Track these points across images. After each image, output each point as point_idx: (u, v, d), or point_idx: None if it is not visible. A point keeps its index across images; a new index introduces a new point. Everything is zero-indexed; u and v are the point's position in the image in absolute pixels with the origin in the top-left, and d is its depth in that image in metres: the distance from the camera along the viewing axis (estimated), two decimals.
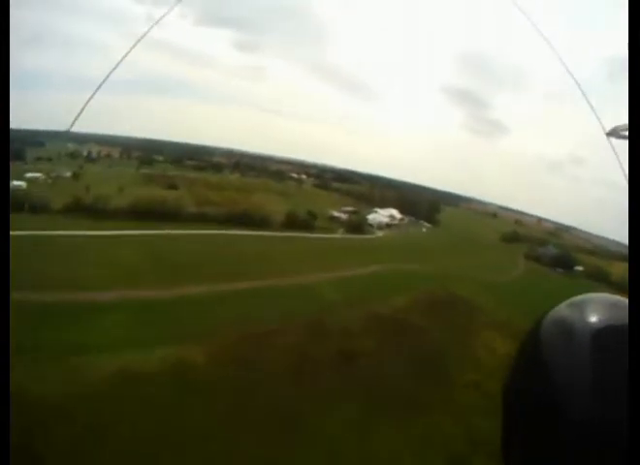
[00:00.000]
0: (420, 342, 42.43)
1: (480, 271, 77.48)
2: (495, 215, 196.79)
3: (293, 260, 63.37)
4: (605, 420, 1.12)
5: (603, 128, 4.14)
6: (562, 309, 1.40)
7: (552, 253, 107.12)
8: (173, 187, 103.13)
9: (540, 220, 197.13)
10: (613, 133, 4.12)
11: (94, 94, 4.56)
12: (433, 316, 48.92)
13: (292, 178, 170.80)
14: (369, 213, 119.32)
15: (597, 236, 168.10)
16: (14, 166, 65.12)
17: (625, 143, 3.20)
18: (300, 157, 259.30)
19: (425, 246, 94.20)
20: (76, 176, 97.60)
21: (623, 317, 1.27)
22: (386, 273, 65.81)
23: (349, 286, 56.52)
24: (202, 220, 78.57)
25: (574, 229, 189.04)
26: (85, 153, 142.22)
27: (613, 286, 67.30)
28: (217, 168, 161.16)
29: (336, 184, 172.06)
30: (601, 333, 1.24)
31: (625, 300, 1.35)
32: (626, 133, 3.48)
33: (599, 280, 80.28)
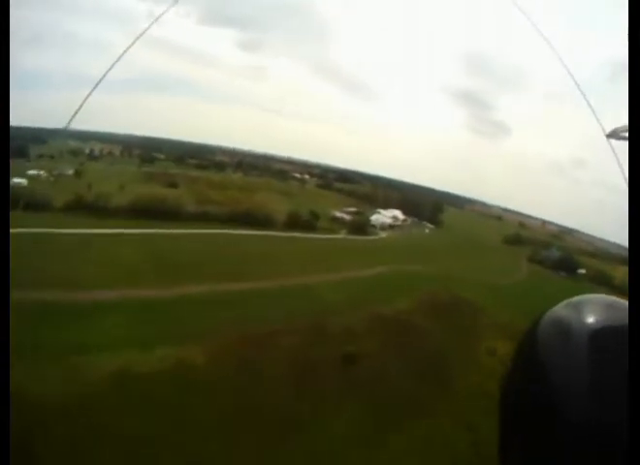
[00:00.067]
0: (423, 344, 42.25)
1: (483, 274, 77.24)
2: (499, 217, 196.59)
3: (295, 260, 63.06)
4: (602, 421, 1.12)
5: (603, 129, 4.02)
6: (560, 309, 1.40)
7: (555, 256, 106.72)
8: (173, 185, 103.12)
9: (544, 223, 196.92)
10: (613, 134, 4.00)
11: (92, 91, 4.54)
12: (436, 318, 48.71)
13: (295, 178, 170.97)
14: (372, 214, 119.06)
15: (599, 239, 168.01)
16: (16, 163, 65.06)
17: (626, 145, 3.05)
18: (302, 157, 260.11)
19: (428, 248, 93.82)
20: (77, 174, 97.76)
21: (620, 318, 1.28)
22: (389, 275, 65.58)
23: (352, 287, 56.22)
24: (203, 219, 78.47)
25: (576, 231, 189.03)
26: (87, 151, 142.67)
27: (616, 290, 66.86)
28: (220, 167, 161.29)
29: (338, 184, 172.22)
30: (598, 334, 1.24)
31: (623, 301, 1.36)
32: (626, 134, 3.33)
33: (602, 283, 79.86)
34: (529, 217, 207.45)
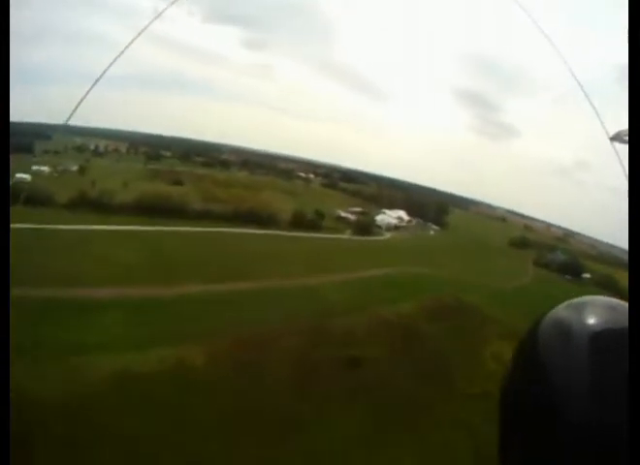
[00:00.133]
0: (427, 350, 41.82)
1: (489, 277, 76.66)
2: (504, 219, 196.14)
3: (298, 260, 62.66)
4: (603, 422, 1.12)
5: (607, 132, 3.81)
6: (561, 310, 1.41)
7: (560, 259, 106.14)
8: (178, 183, 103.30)
9: (549, 226, 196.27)
10: (616, 137, 3.78)
11: (92, 88, 4.46)
12: (441, 322, 48.20)
13: (300, 177, 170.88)
14: (377, 214, 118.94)
15: (603, 243, 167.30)
16: (21, 158, 64.97)
17: None
18: (308, 156, 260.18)
19: (433, 249, 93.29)
20: (82, 170, 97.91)
21: (621, 319, 1.28)
22: (394, 276, 65.08)
23: (356, 288, 55.82)
24: (207, 217, 78.36)
25: (580, 234, 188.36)
26: (93, 147, 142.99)
27: (621, 294, 66.24)
28: (225, 165, 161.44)
29: (343, 184, 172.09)
30: (599, 335, 1.25)
31: (624, 303, 1.36)
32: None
33: (607, 288, 79.24)
34: (534, 219, 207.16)
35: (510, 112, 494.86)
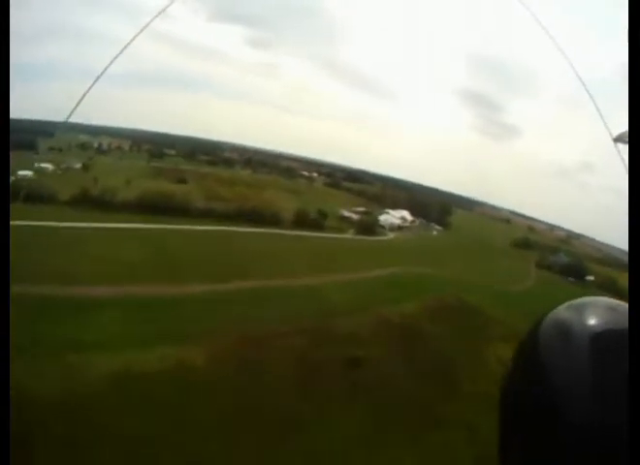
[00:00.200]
0: (429, 351, 41.64)
1: (492, 278, 76.60)
2: (508, 221, 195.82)
3: (301, 260, 62.45)
4: (603, 423, 1.12)
5: (610, 133, 3.79)
6: (561, 311, 1.40)
7: (563, 261, 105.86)
8: (182, 181, 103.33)
9: (553, 228, 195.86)
10: (620, 138, 3.69)
11: (93, 85, 4.56)
12: (444, 324, 47.99)
13: (303, 176, 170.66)
14: (381, 214, 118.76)
15: (606, 245, 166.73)
16: (24, 155, 65.18)
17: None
18: (311, 155, 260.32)
19: (436, 250, 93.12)
20: (85, 168, 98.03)
21: (622, 320, 1.28)
22: (397, 276, 64.84)
23: (358, 289, 55.44)
24: (210, 215, 78.35)
25: (583, 236, 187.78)
26: (96, 145, 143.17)
27: (624, 297, 65.88)
28: (229, 163, 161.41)
29: (347, 183, 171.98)
30: (600, 336, 1.24)
31: (625, 304, 1.37)
32: None
33: (611, 291, 78.94)
34: (537, 220, 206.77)
35: (514, 113, 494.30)
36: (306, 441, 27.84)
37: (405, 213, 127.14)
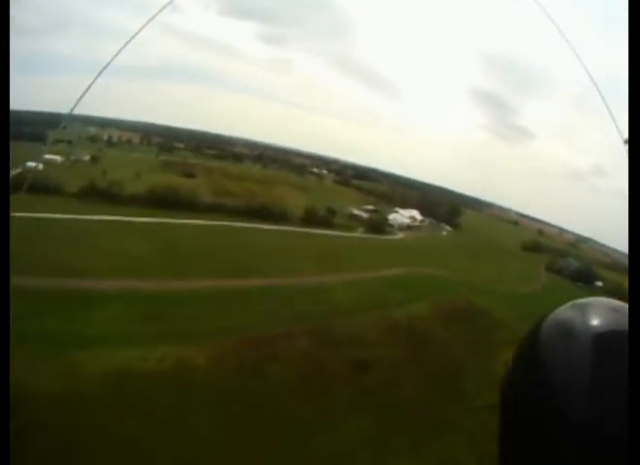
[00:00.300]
0: (438, 355, 40.76)
1: (502, 281, 75.62)
2: (516, 222, 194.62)
3: (309, 257, 61.79)
4: (604, 423, 1.12)
5: (621, 135, 3.55)
6: (564, 311, 1.40)
7: (573, 266, 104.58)
8: (190, 175, 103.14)
9: (562, 231, 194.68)
10: None
11: (97, 77, 4.54)
12: (453, 327, 47.12)
13: (313, 173, 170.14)
14: (390, 213, 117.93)
15: (616, 250, 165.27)
16: (33, 147, 64.76)
17: None
18: (321, 152, 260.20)
19: (445, 250, 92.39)
20: (94, 160, 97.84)
21: (624, 321, 1.28)
22: (405, 277, 63.80)
23: (366, 289, 54.65)
24: (218, 211, 77.84)
25: (592, 241, 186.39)
26: (106, 137, 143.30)
27: None
28: (238, 158, 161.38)
29: (356, 181, 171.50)
30: (602, 336, 1.24)
31: (627, 305, 1.36)
32: None
33: (620, 297, 77.82)
34: (546, 224, 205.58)
35: (526, 115, 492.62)
36: (308, 445, 27.30)
37: (415, 213, 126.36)
